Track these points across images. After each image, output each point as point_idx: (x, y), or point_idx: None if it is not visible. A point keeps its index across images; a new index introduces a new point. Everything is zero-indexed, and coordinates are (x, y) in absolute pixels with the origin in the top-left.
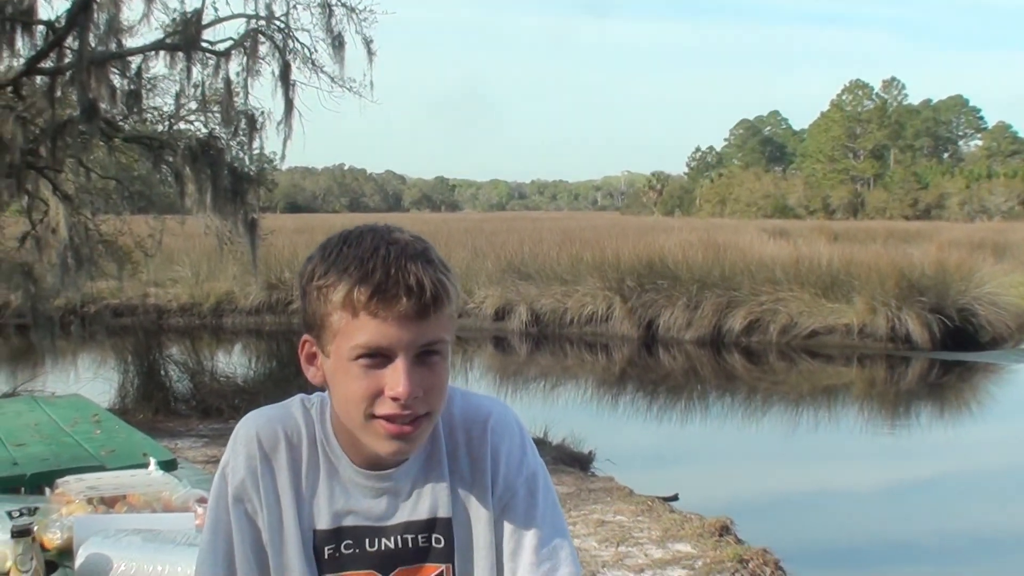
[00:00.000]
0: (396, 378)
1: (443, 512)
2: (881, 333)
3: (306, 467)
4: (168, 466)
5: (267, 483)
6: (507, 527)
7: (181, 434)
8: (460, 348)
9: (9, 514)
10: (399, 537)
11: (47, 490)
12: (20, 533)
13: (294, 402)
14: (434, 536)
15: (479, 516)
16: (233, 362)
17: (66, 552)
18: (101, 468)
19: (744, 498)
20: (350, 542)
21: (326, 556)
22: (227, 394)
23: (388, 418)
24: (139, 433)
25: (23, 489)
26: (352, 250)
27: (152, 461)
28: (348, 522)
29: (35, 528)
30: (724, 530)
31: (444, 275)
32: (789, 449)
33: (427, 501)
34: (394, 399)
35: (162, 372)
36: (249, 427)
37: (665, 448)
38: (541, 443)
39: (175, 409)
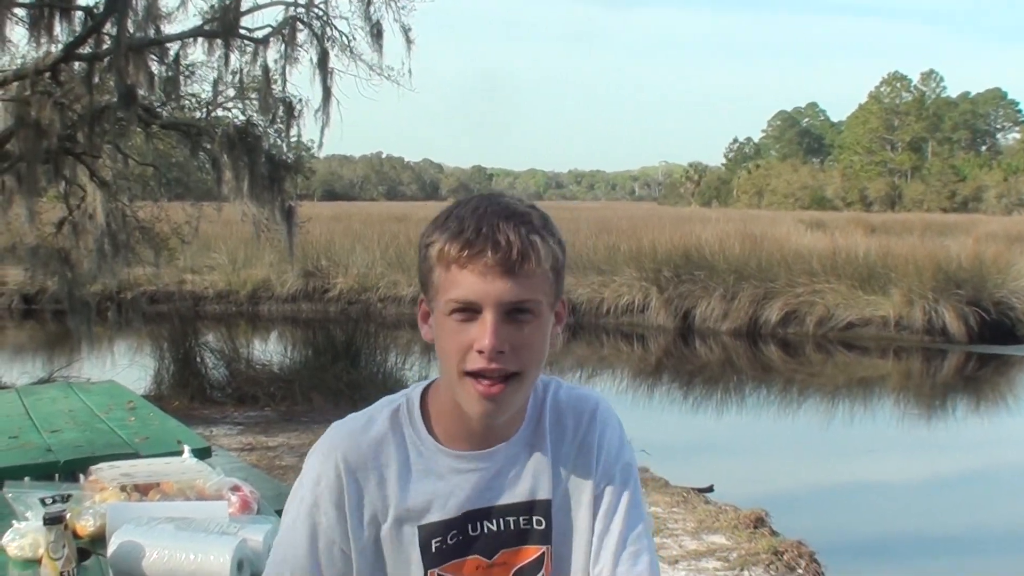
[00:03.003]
0: (483, 331)
1: (543, 494)
2: (917, 326)
3: (398, 472)
4: (202, 454)
5: (353, 495)
6: (600, 510)
7: (216, 421)
8: None
9: (42, 501)
10: (500, 519)
11: (81, 477)
12: (52, 520)
13: (378, 407)
14: (535, 518)
15: (581, 500)
16: (269, 350)
17: (99, 539)
18: (135, 455)
19: (779, 490)
20: (455, 531)
21: (433, 549)
22: (263, 382)
23: (476, 374)
24: (173, 420)
25: (57, 475)
26: (458, 210)
27: (186, 449)
28: (453, 513)
29: (68, 515)
30: (759, 522)
31: (540, 236)
32: (825, 441)
33: (527, 483)
34: (480, 352)
35: (198, 359)
36: (333, 440)
37: (701, 439)
38: None
39: (211, 396)
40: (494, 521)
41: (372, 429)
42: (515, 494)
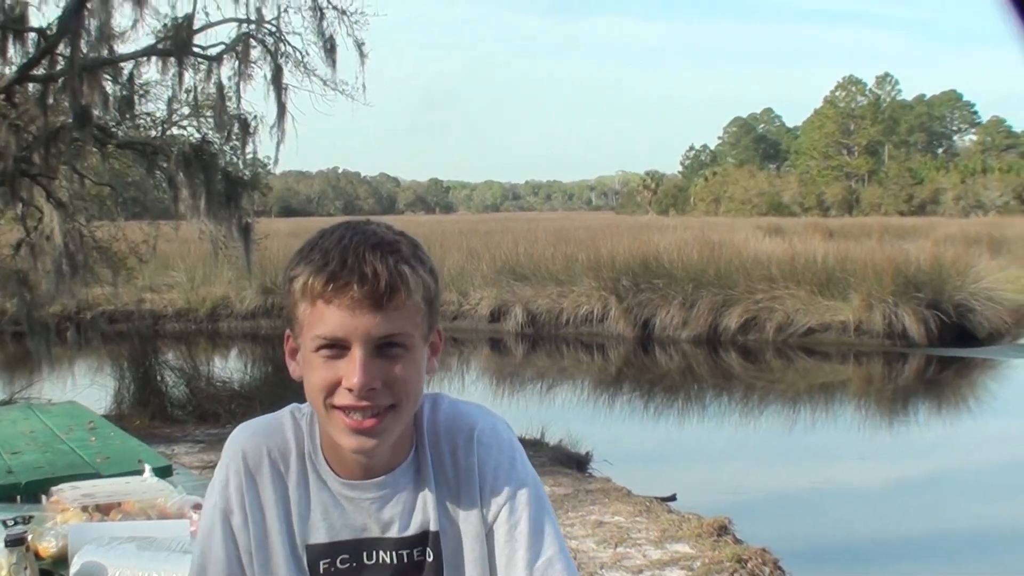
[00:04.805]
0: (352, 368)
1: (433, 526)
2: (877, 330)
3: (295, 481)
4: (163, 472)
5: (252, 499)
6: (498, 541)
7: (178, 439)
8: (456, 349)
9: (3, 523)
10: (394, 552)
11: (43, 498)
12: (14, 542)
13: (284, 414)
14: (427, 550)
15: (468, 530)
16: (229, 367)
17: (61, 560)
18: (96, 475)
19: (742, 497)
20: (346, 556)
21: (321, 570)
22: (223, 399)
23: (346, 409)
24: (134, 440)
25: (19, 497)
26: (322, 242)
27: (147, 468)
28: (344, 536)
29: (29, 537)
30: (722, 530)
31: (409, 266)
32: (787, 448)
33: (419, 515)
34: (349, 390)
35: (158, 378)
36: (236, 442)
37: (663, 448)
38: (538, 444)
39: (171, 415)
40: (389, 553)
41: (276, 434)
42: (408, 527)
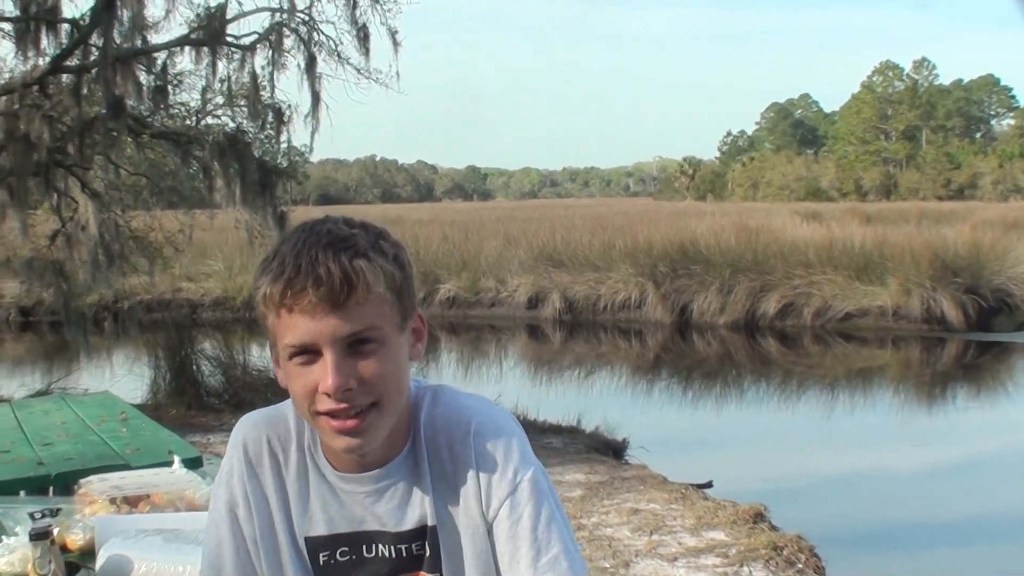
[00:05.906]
0: (324, 372)
1: (430, 520)
2: (915, 315)
3: (295, 473)
4: (193, 464)
5: (254, 489)
6: (500, 537)
7: (214, 429)
8: (494, 336)
9: (31, 515)
10: (392, 546)
11: (75, 490)
12: (38, 536)
13: (288, 404)
14: (426, 544)
15: (467, 525)
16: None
17: (89, 553)
18: (126, 467)
19: (779, 484)
20: (346, 549)
21: (321, 562)
22: (260, 388)
23: (329, 414)
24: (165, 430)
25: (51, 489)
26: (281, 248)
27: (176, 459)
28: (342, 528)
29: (55, 530)
30: (758, 517)
31: (366, 259)
32: (824, 434)
33: (416, 509)
34: (326, 394)
35: (194, 367)
36: (238, 433)
37: (699, 435)
38: (574, 431)
39: (208, 404)
40: (388, 547)
41: (278, 424)
42: (405, 520)
